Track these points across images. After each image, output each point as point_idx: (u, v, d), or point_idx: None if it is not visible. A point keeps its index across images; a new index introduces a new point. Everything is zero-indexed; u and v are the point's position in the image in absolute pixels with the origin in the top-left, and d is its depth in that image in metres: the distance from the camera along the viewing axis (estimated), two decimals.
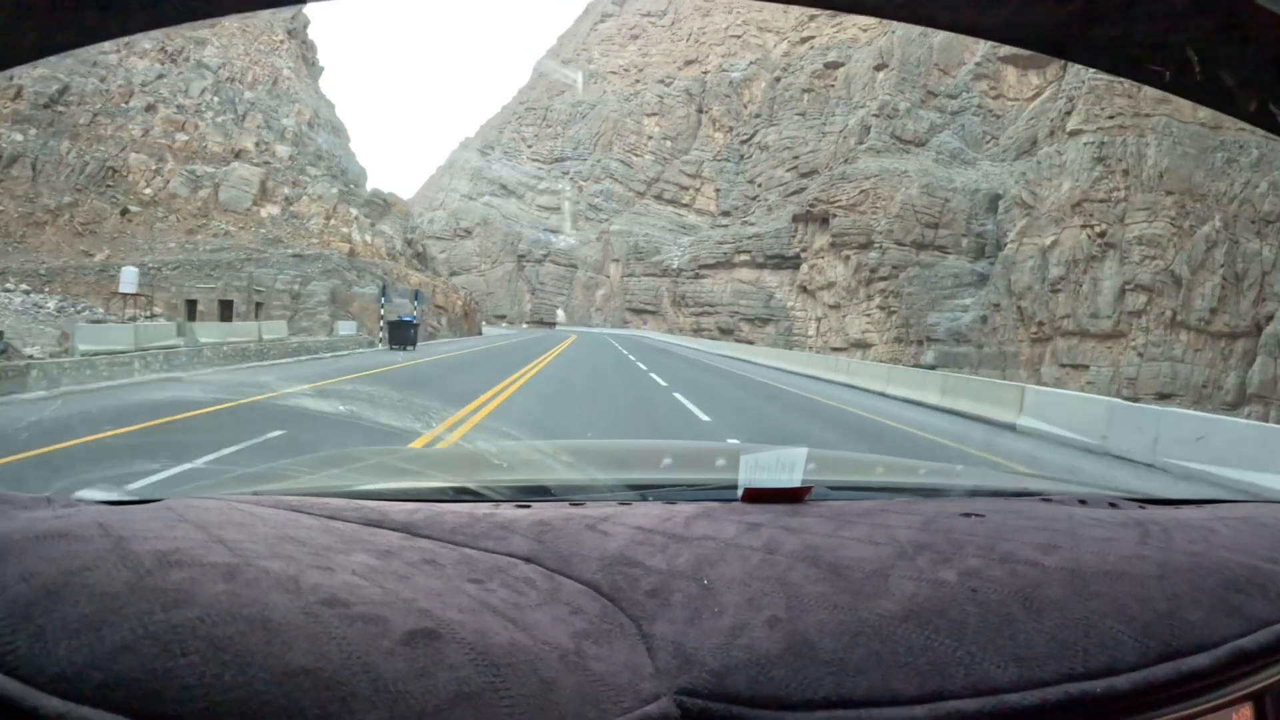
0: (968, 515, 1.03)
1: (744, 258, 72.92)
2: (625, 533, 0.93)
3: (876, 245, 56.87)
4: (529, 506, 1.06)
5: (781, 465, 1.13)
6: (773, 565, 0.84)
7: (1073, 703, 0.69)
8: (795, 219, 67.93)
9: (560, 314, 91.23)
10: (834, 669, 0.68)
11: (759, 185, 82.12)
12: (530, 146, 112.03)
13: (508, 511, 1.01)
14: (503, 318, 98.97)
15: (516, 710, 0.58)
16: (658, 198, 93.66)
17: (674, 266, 78.20)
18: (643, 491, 1.31)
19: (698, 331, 72.52)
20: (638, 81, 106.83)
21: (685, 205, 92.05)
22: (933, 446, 11.18)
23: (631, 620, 0.74)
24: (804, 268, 65.68)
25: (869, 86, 73.32)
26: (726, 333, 70.26)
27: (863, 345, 57.23)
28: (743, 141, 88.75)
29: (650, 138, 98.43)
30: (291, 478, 1.47)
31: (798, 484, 1.11)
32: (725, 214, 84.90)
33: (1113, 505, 1.22)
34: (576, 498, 1.21)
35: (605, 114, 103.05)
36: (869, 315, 57.70)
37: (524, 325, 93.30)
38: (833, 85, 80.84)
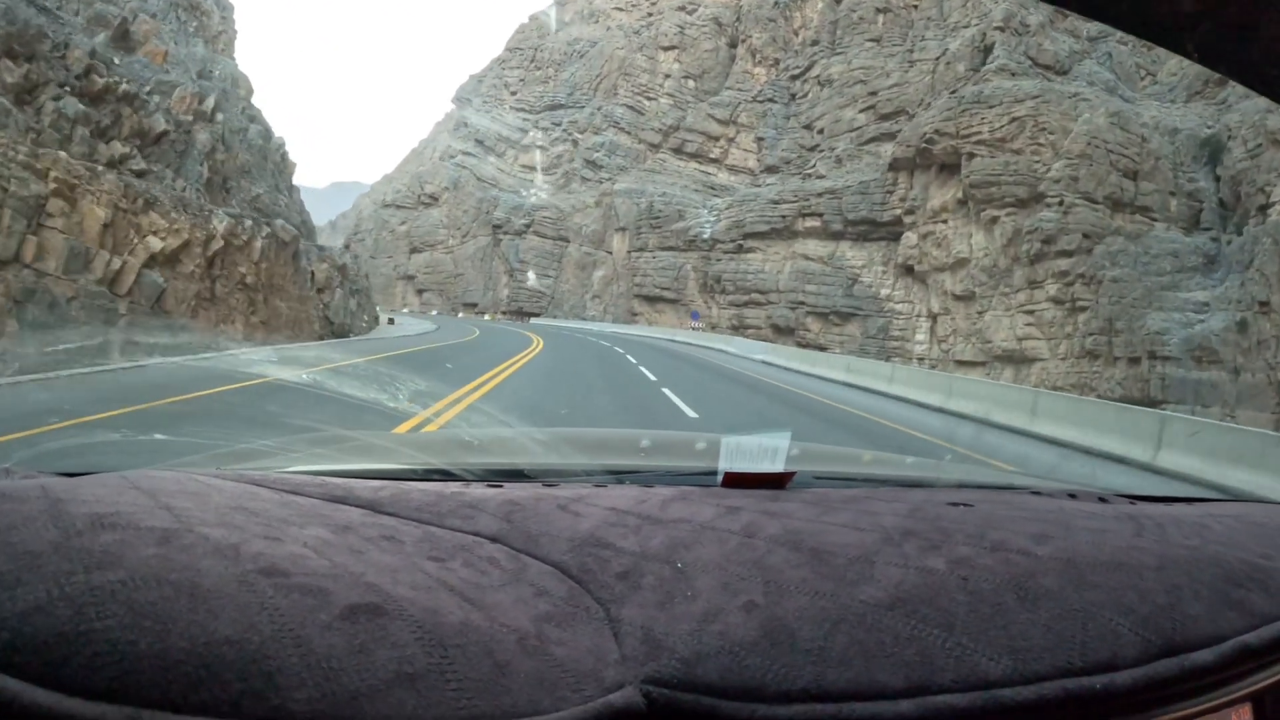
0: (956, 505, 1.04)
1: (811, 223, 50.04)
2: (598, 513, 0.91)
3: (1050, 201, 34.41)
4: (500, 487, 1.05)
5: (764, 452, 1.14)
6: (751, 549, 0.81)
7: (1071, 699, 0.66)
8: (894, 165, 45.25)
9: (535, 283, 68.68)
10: (814, 658, 0.65)
11: (819, 132, 59.31)
12: (514, 93, 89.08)
13: (477, 491, 0.99)
14: (473, 305, 76.33)
15: (464, 694, 0.55)
16: (677, 151, 70.76)
17: (704, 236, 55.25)
18: (620, 476, 1.28)
19: (738, 329, 49.90)
20: (650, 13, 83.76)
21: (714, 160, 69.13)
22: None
23: (599, 604, 0.72)
24: (910, 238, 43.10)
25: (971, 2, 51.12)
26: (784, 332, 47.67)
27: (1017, 359, 34.95)
28: (794, 77, 65.76)
29: (667, 77, 75.45)
30: (265, 456, 1.41)
31: (780, 470, 1.11)
32: (771, 169, 62.06)
33: (1103, 500, 1.24)
34: (551, 479, 1.20)
35: (609, 51, 79.99)
36: (1031, 312, 35.13)
37: (499, 316, 71.21)
38: (917, 4, 58.30)
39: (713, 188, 64.74)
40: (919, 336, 43.30)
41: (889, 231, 46.10)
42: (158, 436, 5.31)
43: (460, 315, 77.56)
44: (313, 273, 26.79)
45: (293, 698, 0.51)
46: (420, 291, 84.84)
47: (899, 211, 44.74)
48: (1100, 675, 0.67)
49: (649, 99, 75.04)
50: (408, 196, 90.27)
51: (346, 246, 57.65)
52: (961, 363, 37.86)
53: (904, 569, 0.77)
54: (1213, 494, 1.64)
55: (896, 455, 2.33)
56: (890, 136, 50.14)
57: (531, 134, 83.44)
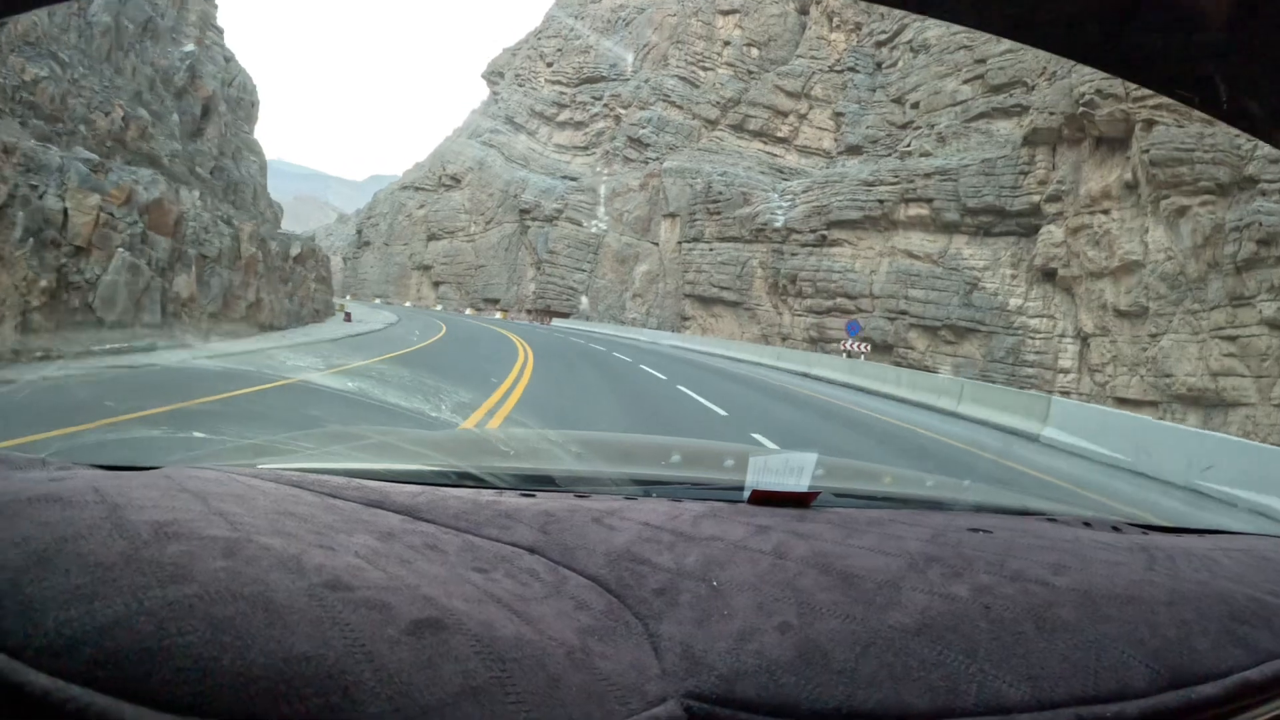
0: (975, 531, 1.07)
1: (917, 211, 39.11)
2: (632, 528, 0.94)
3: (1269, 188, 23.79)
4: (533, 496, 1.08)
5: (790, 469, 1.16)
6: (782, 570, 0.84)
7: None
8: (1031, 139, 34.57)
9: (584, 301, 57.86)
10: (845, 679, 0.67)
11: (913, 106, 48.51)
12: (550, 64, 78.91)
13: (511, 500, 1.03)
14: (494, 301, 66.41)
15: (523, 707, 0.57)
16: (737, 128, 60.22)
17: (776, 225, 44.50)
18: (647, 487, 1.31)
19: (816, 342, 39.42)
20: None
21: (781, 139, 58.49)
22: None
23: (638, 619, 0.74)
24: (1052, 233, 32.42)
25: None
26: (878, 349, 37.18)
27: (1208, 401, 24.47)
28: (879, 43, 54.91)
29: (726, 44, 64.97)
30: (291, 452, 1.46)
31: (805, 489, 1.13)
32: (853, 150, 51.29)
33: (1116, 529, 1.26)
34: (581, 489, 1.23)
35: (659, 18, 69.55)
36: (1234, 338, 24.41)
37: (523, 315, 61.36)
38: None
39: (779, 170, 54.20)
40: (1063, 362, 32.60)
41: (1022, 224, 35.29)
42: (196, 434, 5.57)
43: (468, 312, 68.04)
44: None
45: (368, 712, 0.52)
46: (437, 284, 75.03)
47: (1037, 198, 33.89)
48: (1111, 704, 0.70)
49: (705, 69, 64.56)
50: (428, 178, 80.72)
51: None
52: (1124, 401, 27.28)
53: (929, 595, 0.80)
54: (1218, 525, 1.64)
55: (916, 474, 2.34)
56: (1005, 112, 39.36)
57: (568, 110, 73.29)
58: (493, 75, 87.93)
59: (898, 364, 34.13)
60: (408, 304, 76.62)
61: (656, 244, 54.23)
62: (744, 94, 61.08)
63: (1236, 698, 0.76)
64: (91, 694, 0.50)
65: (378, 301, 78.00)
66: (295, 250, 27.38)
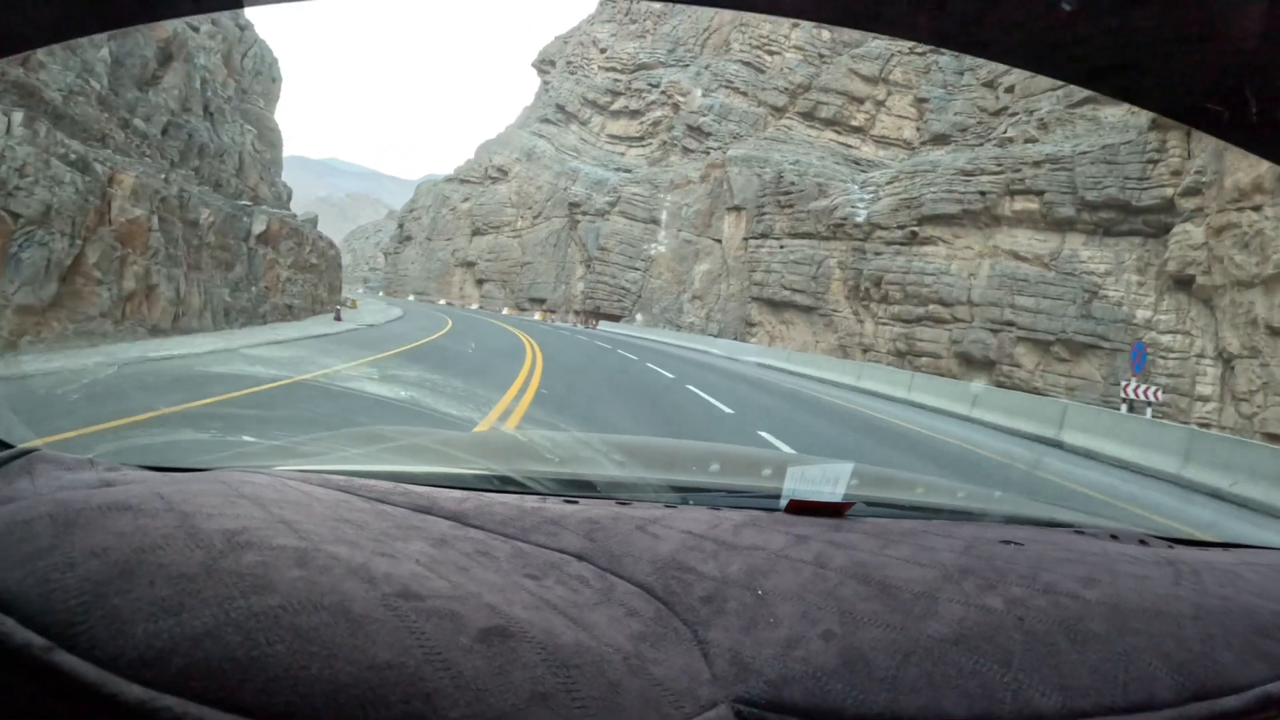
0: (1007, 543, 1.09)
1: (1024, 205, 33.55)
2: (675, 536, 0.97)
3: None
4: (576, 502, 1.11)
5: (826, 479, 1.21)
6: (824, 579, 0.87)
7: None
8: (1158, 123, 29.08)
9: (638, 317, 53.32)
10: (888, 687, 0.70)
11: (1007, 91, 43.11)
12: (604, 51, 74.50)
13: (555, 506, 1.06)
14: (540, 301, 62.19)
15: (588, 712, 0.59)
16: (807, 116, 55.16)
17: (858, 219, 39.29)
18: (685, 494, 1.34)
19: (904, 355, 34.40)
20: None
21: (856, 129, 53.30)
22: None
23: (686, 625, 0.76)
24: (1189, 233, 27.01)
25: None
26: (977, 365, 32.11)
27: None
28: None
29: (795, 26, 59.85)
30: (326, 453, 1.49)
31: (840, 499, 1.18)
32: (939, 139, 46.04)
33: (1143, 543, 1.28)
34: (621, 495, 1.26)
35: None
36: None
37: (569, 316, 57.03)
38: None
39: (856, 164, 49.08)
40: (1202, 389, 27.29)
41: (1150, 221, 29.90)
42: (245, 438, 5.71)
43: (505, 311, 63.84)
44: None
45: (449, 716, 0.54)
46: (480, 281, 71.13)
47: (1170, 191, 28.47)
48: (1138, 714, 0.72)
49: (771, 53, 59.62)
50: (474, 170, 76.82)
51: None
52: (1275, 437, 22.06)
53: (965, 606, 0.82)
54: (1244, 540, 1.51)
55: (948, 484, 2.37)
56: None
57: (622, 98, 68.79)
58: (544, 64, 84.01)
59: (999, 384, 29.09)
60: (441, 301, 72.69)
61: (719, 241, 49.34)
62: (815, 79, 56.00)
63: (1259, 710, 0.77)
64: (185, 704, 0.52)
65: (412, 298, 74.27)
66: (258, 226, 21.86)
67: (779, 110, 57.17)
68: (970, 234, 35.04)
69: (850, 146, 52.52)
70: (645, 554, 0.89)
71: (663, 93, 65.80)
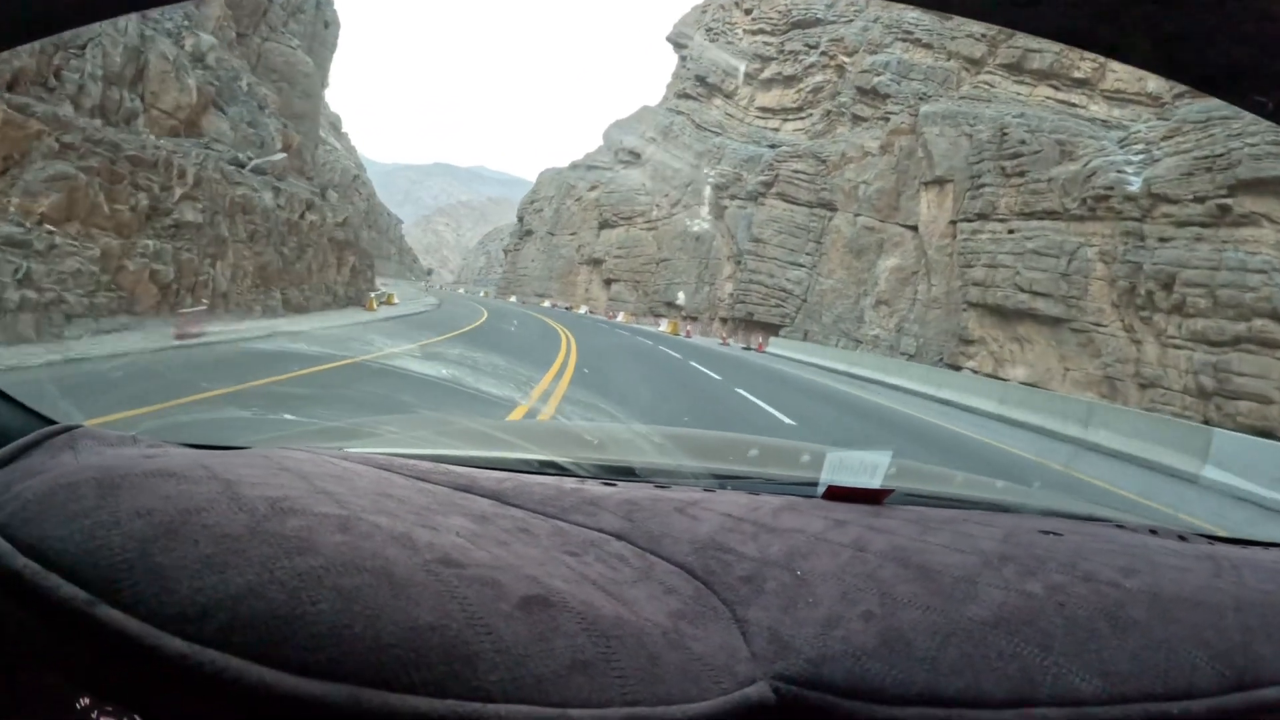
0: (1046, 533, 1.09)
1: None
2: (714, 518, 0.98)
3: None
4: (614, 485, 1.12)
5: (864, 468, 1.20)
6: (863, 562, 0.87)
7: None
8: None
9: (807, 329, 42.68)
10: (927, 667, 0.70)
11: None
12: (749, 12, 64.03)
13: (595, 488, 1.07)
14: (678, 307, 52.35)
15: (627, 682, 0.60)
16: (1013, 69, 43.20)
17: (1129, 190, 27.36)
18: (723, 480, 1.35)
19: (1209, 395, 22.85)
20: None
21: (1080, 82, 41.07)
22: None
23: (725, 604, 0.77)
24: None
25: None
26: None
27: None
28: None
29: None
30: (376, 436, 1.50)
31: (878, 486, 1.17)
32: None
33: (1182, 538, 1.28)
34: (661, 480, 1.27)
35: None
36: None
37: (714, 326, 46.97)
38: None
39: (1089, 124, 37.13)
40: None
41: None
42: (287, 416, 6.00)
43: (620, 318, 52.22)
44: None
45: (489, 679, 0.56)
46: (609, 282, 61.68)
47: None
48: (1178, 702, 0.72)
49: None
50: (602, 154, 67.72)
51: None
52: None
53: (1005, 591, 0.82)
54: None
55: (986, 479, 2.32)
56: None
57: (774, 63, 58.21)
58: (679, 37, 74.16)
59: None
60: (546, 303, 63.95)
61: (912, 227, 38.05)
62: None
63: None
64: (227, 658, 0.53)
65: (514, 299, 65.89)
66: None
67: (974, 63, 45.45)
68: None
69: (1073, 105, 40.41)
70: (684, 535, 0.90)
71: (823, 54, 54.90)
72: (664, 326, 48.73)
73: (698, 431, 3.99)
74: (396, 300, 33.07)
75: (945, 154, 35.33)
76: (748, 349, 38.65)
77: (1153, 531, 1.29)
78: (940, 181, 35.41)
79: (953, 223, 34.09)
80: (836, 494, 1.17)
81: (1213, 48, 0.77)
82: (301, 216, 21.39)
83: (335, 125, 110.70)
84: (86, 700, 0.59)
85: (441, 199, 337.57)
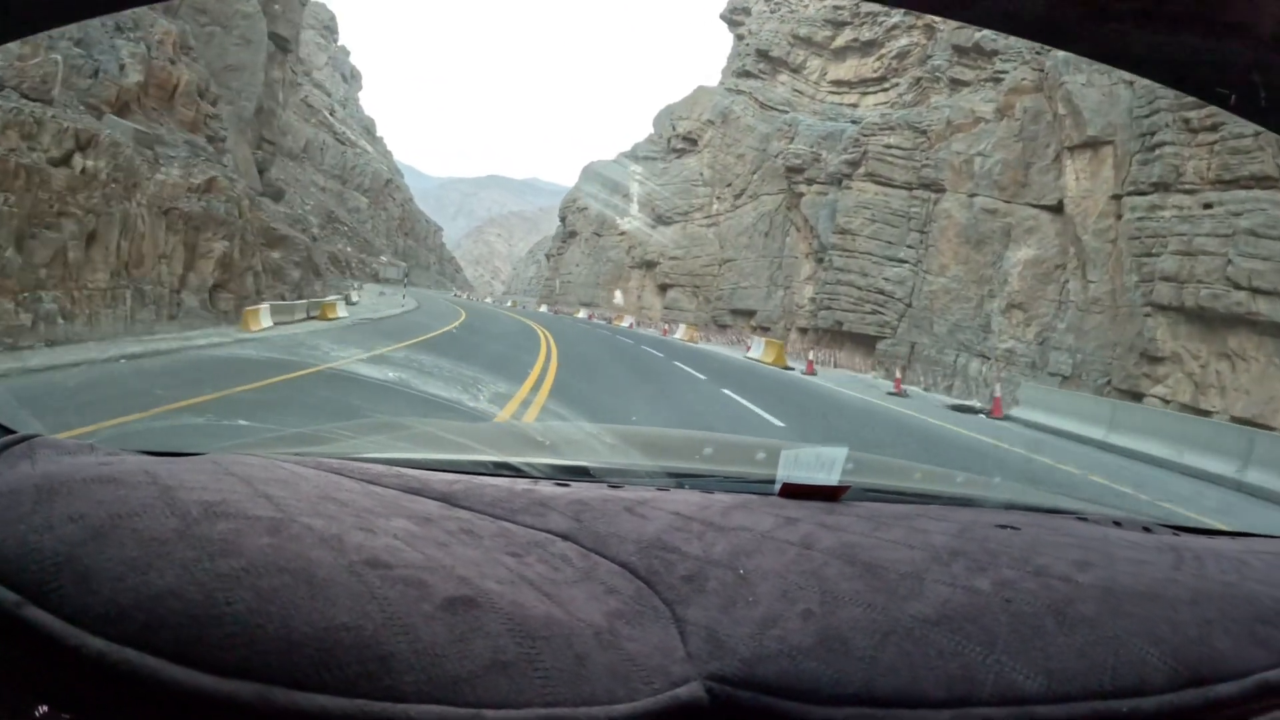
0: (1003, 527, 1.08)
1: None
2: (663, 518, 0.98)
3: None
4: (568, 485, 1.13)
5: (820, 463, 1.19)
6: (808, 560, 0.87)
7: (1099, 719, 0.70)
8: None
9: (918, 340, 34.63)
10: (865, 666, 0.69)
11: None
12: None
13: (546, 489, 1.08)
14: (748, 314, 44.63)
15: (550, 682, 0.61)
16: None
17: None
18: (680, 479, 1.35)
19: None
20: None
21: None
22: None
23: (665, 604, 0.78)
24: None
25: None
26: None
27: None
28: None
29: None
30: (333, 441, 1.50)
31: (835, 483, 1.17)
32: None
33: (1147, 530, 1.27)
34: (615, 480, 1.28)
35: None
36: None
37: (793, 336, 39.16)
38: None
39: None
40: None
41: None
42: (241, 422, 6.00)
43: (679, 335, 41.44)
44: None
45: (403, 680, 0.56)
46: (664, 288, 53.70)
47: None
48: (1128, 699, 0.71)
49: None
50: (653, 144, 60.41)
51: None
52: None
53: (951, 587, 0.81)
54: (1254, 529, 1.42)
55: (946, 471, 2.30)
56: None
57: (849, 28, 50.21)
58: (735, 13, 66.53)
59: None
60: (581, 314, 56.60)
61: (1052, 207, 29.62)
62: None
63: (1256, 698, 0.75)
64: (144, 656, 0.54)
65: (544, 308, 58.84)
66: None
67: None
68: None
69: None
70: (631, 534, 0.91)
71: (907, 13, 46.79)
72: (682, 334, 40.66)
73: (655, 430, 4.10)
74: (341, 313, 26.90)
75: (1098, 108, 26.97)
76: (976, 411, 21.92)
77: (1117, 523, 1.27)
78: (1094, 144, 27.02)
79: (1115, 197, 25.72)
80: (793, 491, 1.16)
81: (1174, 41, 0.76)
82: (67, 162, 14.34)
83: (369, 129, 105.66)
84: (25, 700, 0.60)
85: (494, 210, 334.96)
